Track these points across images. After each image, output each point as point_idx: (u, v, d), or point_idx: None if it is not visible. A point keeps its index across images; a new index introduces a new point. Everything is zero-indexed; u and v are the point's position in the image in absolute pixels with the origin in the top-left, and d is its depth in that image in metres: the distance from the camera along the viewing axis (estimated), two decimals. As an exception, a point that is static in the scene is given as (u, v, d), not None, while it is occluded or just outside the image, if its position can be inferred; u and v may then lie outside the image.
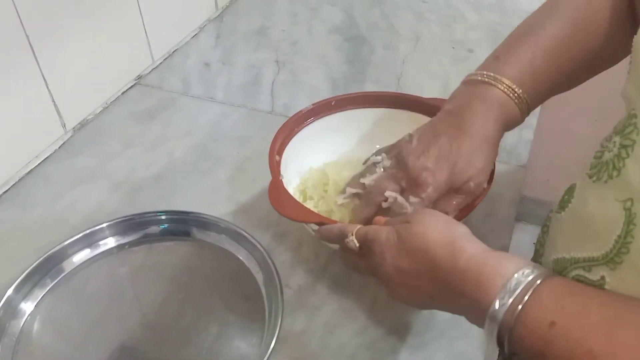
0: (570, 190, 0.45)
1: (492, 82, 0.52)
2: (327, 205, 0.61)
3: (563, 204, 0.45)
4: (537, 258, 0.50)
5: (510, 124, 0.54)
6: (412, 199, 0.53)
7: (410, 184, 0.54)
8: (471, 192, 0.54)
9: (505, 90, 0.52)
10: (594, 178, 0.41)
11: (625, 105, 0.42)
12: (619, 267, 0.37)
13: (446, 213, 0.53)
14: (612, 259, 0.38)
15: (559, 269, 0.43)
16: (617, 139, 0.40)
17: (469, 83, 0.55)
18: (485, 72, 0.53)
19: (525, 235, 1.68)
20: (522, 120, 0.55)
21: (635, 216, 0.36)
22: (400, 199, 0.54)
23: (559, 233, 0.45)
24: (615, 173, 0.39)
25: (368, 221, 0.55)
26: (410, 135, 0.56)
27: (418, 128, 0.57)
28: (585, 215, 0.41)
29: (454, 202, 0.54)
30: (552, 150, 1.59)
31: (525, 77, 0.53)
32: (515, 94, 0.52)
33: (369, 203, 0.57)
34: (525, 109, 0.54)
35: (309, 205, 0.62)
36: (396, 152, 0.56)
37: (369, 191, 0.57)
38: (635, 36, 0.41)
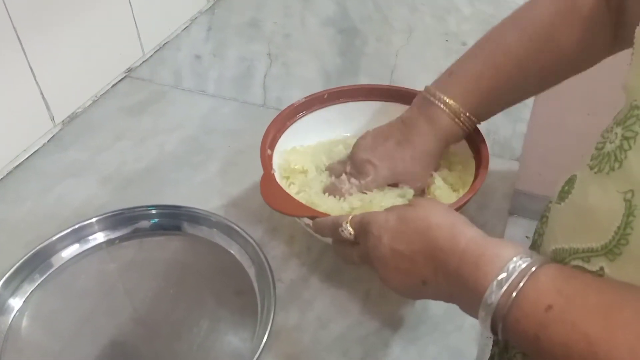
0: (571, 181, 0.44)
1: (440, 104, 0.58)
2: (308, 196, 0.61)
3: (563, 195, 0.45)
4: (534, 249, 0.50)
5: (451, 140, 0.61)
6: (353, 180, 0.61)
7: (354, 171, 0.61)
8: (391, 178, 0.61)
9: (449, 113, 0.58)
10: (595, 169, 0.41)
11: (625, 96, 0.41)
12: (618, 259, 0.37)
13: None
14: (611, 250, 0.37)
15: (558, 260, 0.42)
16: (618, 130, 0.40)
17: (424, 97, 0.60)
18: (436, 92, 0.59)
19: (518, 229, 1.69)
20: (464, 135, 0.61)
21: (635, 208, 0.36)
22: (343, 176, 0.62)
23: (559, 224, 0.44)
24: (617, 165, 0.38)
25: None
26: (368, 132, 0.63)
27: (376, 127, 0.63)
28: (585, 206, 0.41)
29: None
30: (545, 143, 1.59)
31: (471, 96, 0.58)
32: (458, 117, 0.58)
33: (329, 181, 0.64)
34: (469, 126, 0.59)
35: (293, 190, 0.61)
36: (354, 145, 0.64)
37: (328, 167, 0.66)
38: (637, 27, 0.40)
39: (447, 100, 0.58)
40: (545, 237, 0.48)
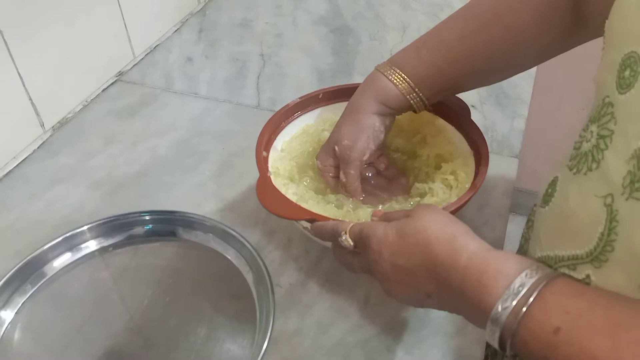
0: (553, 184, 0.43)
1: (380, 70, 0.58)
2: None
3: (547, 198, 0.43)
4: (522, 254, 0.48)
5: (391, 101, 0.57)
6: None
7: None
8: (339, 157, 0.59)
9: (387, 74, 0.57)
10: (574, 170, 0.39)
11: (597, 91, 0.40)
12: (604, 266, 0.36)
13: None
14: (596, 257, 0.36)
15: None
16: (593, 128, 0.38)
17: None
18: (382, 64, 0.59)
19: (515, 227, 1.66)
20: (405, 99, 0.57)
21: (617, 213, 0.34)
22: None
23: (543, 229, 0.43)
24: (594, 165, 0.37)
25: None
26: None
27: None
28: (567, 210, 0.39)
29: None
30: (540, 139, 1.58)
31: (409, 59, 0.57)
32: (395, 76, 0.57)
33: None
34: (406, 88, 0.57)
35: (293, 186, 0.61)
36: None
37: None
38: (607, 21, 0.39)
39: (389, 66, 0.57)
40: (531, 243, 0.47)
